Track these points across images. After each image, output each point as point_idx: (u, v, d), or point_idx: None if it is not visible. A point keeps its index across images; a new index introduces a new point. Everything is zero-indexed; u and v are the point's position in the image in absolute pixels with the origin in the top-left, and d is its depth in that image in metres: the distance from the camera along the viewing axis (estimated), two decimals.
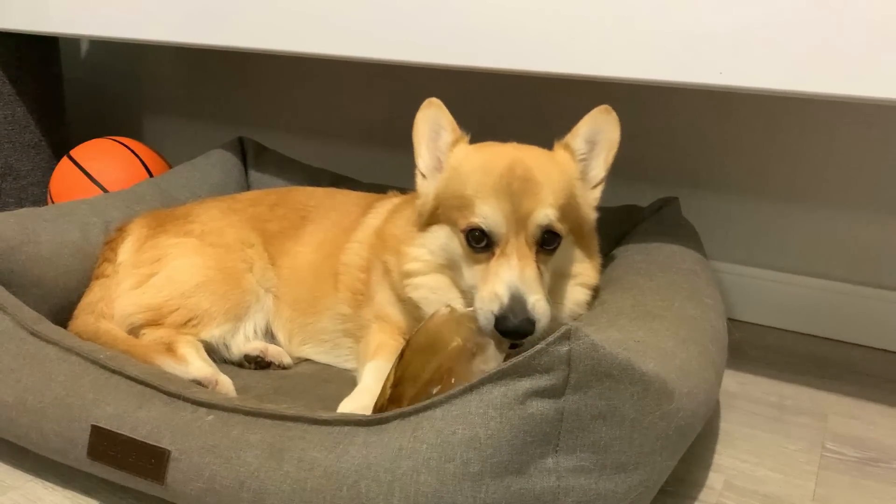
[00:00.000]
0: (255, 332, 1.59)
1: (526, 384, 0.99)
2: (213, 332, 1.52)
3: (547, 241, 1.25)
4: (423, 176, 1.41)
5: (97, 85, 3.05)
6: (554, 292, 1.32)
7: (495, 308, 1.18)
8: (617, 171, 2.14)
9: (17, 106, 2.41)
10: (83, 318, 1.50)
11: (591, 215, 1.39)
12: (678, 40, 1.32)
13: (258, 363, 1.55)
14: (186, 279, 1.53)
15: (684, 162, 2.06)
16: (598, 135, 1.35)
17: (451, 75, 2.19)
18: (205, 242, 1.59)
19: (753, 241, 2.04)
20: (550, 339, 0.97)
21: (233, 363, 1.56)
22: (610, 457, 1.01)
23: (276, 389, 1.46)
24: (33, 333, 1.30)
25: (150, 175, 2.19)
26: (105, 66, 3.04)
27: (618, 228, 1.78)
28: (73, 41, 3.04)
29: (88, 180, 2.13)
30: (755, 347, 1.89)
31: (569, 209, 1.28)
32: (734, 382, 1.70)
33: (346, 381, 1.46)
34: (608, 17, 1.37)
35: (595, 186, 1.38)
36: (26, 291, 1.48)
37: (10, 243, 1.49)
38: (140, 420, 1.15)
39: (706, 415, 1.24)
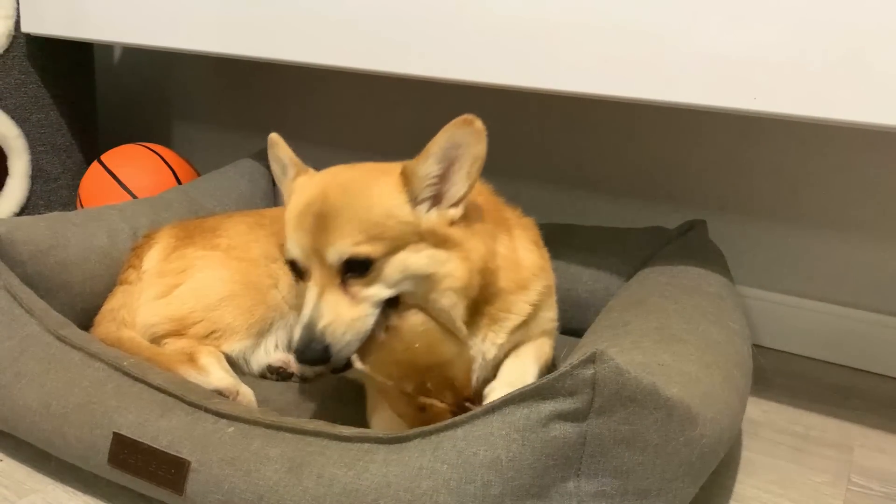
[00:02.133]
0: (277, 347, 1.59)
1: (549, 406, 0.98)
2: (234, 347, 1.52)
3: (357, 267, 1.18)
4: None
5: (129, 91, 3.09)
6: (424, 300, 1.25)
7: (294, 344, 1.19)
8: (643, 193, 2.15)
9: (50, 110, 2.44)
10: (105, 325, 1.51)
11: (447, 229, 1.24)
12: (711, 64, 1.31)
13: (280, 374, 1.55)
14: (211, 292, 1.54)
15: (712, 185, 2.04)
16: (456, 150, 1.21)
17: (477, 89, 2.19)
18: (231, 256, 1.60)
19: (780, 266, 2.01)
20: (575, 361, 0.96)
21: (252, 376, 1.57)
22: (632, 482, 0.99)
23: (297, 404, 1.46)
24: (59, 338, 1.31)
25: (179, 182, 2.20)
26: (137, 73, 3.08)
27: (644, 250, 1.77)
28: (107, 48, 3.08)
29: (118, 185, 2.15)
30: (780, 375, 1.87)
31: (386, 232, 1.20)
32: (758, 410, 1.67)
33: (364, 398, 1.46)
34: (639, 39, 1.36)
35: (456, 204, 1.25)
36: (54, 295, 1.50)
37: (40, 247, 1.51)
38: (161, 429, 1.15)
39: (729, 442, 1.23)
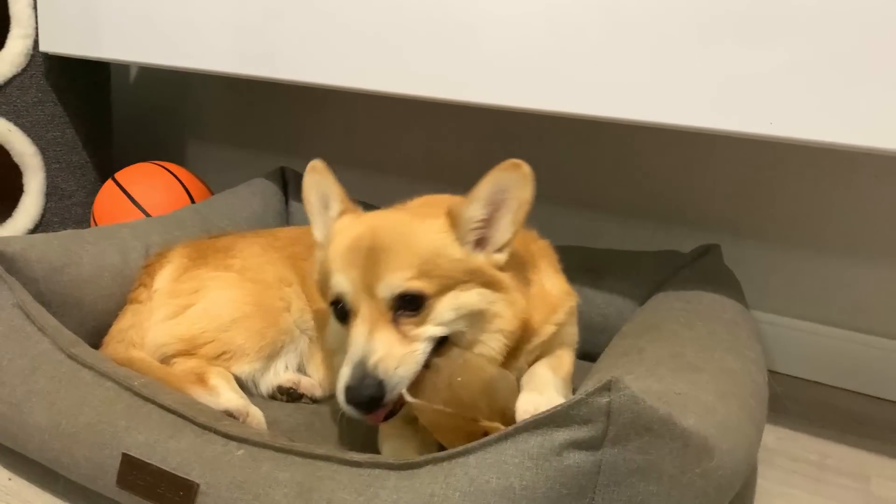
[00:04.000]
0: (287, 368, 1.58)
1: (563, 435, 0.96)
2: (244, 368, 1.51)
3: (409, 304, 1.18)
4: (322, 246, 1.37)
5: (144, 110, 3.11)
6: (473, 342, 1.24)
7: (342, 383, 1.16)
8: (657, 216, 2.14)
9: (66, 128, 2.46)
10: (113, 346, 1.51)
11: (496, 275, 1.24)
12: (728, 87, 1.30)
13: (290, 395, 1.54)
14: (223, 313, 1.53)
15: (727, 209, 2.03)
16: (503, 194, 1.21)
17: (488, 110, 2.20)
18: (244, 278, 1.59)
19: (795, 291, 1.99)
20: (591, 389, 0.95)
21: (261, 397, 1.56)
22: None
23: (308, 426, 1.45)
24: (70, 356, 1.30)
25: (192, 200, 2.21)
26: (152, 92, 3.10)
27: (658, 274, 1.75)
28: (123, 67, 3.10)
29: (131, 203, 2.16)
30: (795, 402, 1.84)
31: (438, 270, 1.20)
32: (773, 437, 1.65)
33: None
34: (653, 62, 1.36)
35: (501, 249, 1.25)
36: (66, 313, 1.50)
37: (54, 265, 1.51)
38: (170, 451, 1.14)
39: (746, 473, 1.20)
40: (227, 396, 1.40)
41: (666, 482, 0.98)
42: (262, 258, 1.64)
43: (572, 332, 1.45)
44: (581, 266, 1.81)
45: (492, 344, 1.24)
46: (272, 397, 1.55)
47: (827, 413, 1.80)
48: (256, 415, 1.41)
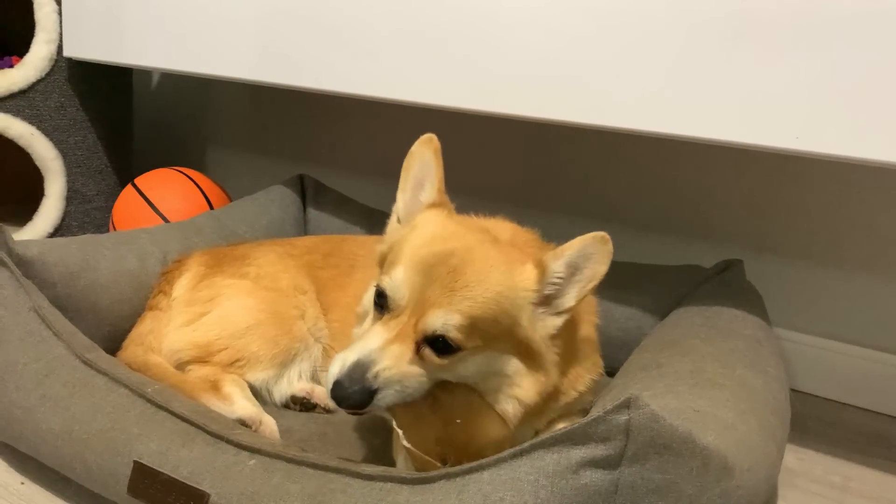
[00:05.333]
0: (300, 377, 1.57)
1: (580, 453, 0.94)
2: (257, 376, 1.50)
3: (438, 345, 1.11)
4: (398, 220, 1.31)
5: (165, 116, 3.13)
6: (485, 394, 1.19)
7: (335, 371, 1.10)
8: (677, 229, 2.11)
9: (88, 132, 2.47)
10: (132, 349, 1.51)
11: (542, 342, 1.19)
12: (753, 101, 1.28)
13: (304, 405, 1.53)
14: (237, 320, 1.52)
15: (748, 223, 2.00)
16: (584, 261, 1.16)
17: (513, 123, 2.18)
18: (259, 286, 1.59)
19: (818, 309, 1.96)
20: (609, 407, 0.93)
21: (275, 406, 1.55)
22: None
23: (321, 436, 1.43)
24: (85, 362, 1.30)
25: (211, 207, 2.21)
26: (174, 99, 3.11)
27: (678, 288, 1.73)
28: (146, 73, 3.13)
29: (150, 208, 2.16)
30: (817, 421, 1.81)
31: (493, 328, 1.13)
32: (793, 458, 1.62)
33: (391, 431, 1.43)
34: (677, 74, 1.34)
35: (560, 314, 1.19)
36: (82, 318, 1.50)
37: (71, 269, 1.51)
38: (182, 459, 1.13)
39: (766, 493, 1.17)
40: (240, 404, 1.40)
41: (685, 502, 0.96)
42: (277, 266, 1.63)
43: (590, 400, 1.38)
44: (604, 281, 1.78)
45: (506, 406, 1.18)
46: (286, 406, 1.54)
47: (850, 434, 1.76)
48: (269, 423, 1.40)
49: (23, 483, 1.34)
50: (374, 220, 2.09)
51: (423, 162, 1.29)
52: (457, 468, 1.01)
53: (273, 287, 1.58)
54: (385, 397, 1.10)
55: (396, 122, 2.53)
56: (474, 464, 1.00)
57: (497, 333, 1.14)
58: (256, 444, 1.13)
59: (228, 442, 1.14)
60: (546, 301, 1.19)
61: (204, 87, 3.00)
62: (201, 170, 2.64)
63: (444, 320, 1.10)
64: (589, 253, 1.16)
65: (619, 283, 1.79)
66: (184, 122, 3.10)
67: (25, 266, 1.43)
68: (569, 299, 1.19)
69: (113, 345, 1.53)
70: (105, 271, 1.57)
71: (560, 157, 2.24)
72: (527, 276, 1.17)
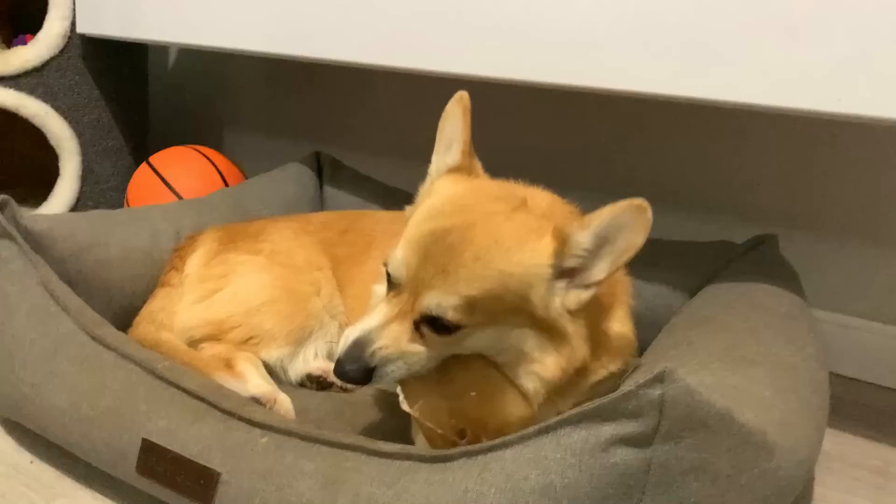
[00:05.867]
0: (316, 355, 1.52)
1: (610, 429, 0.88)
2: (272, 354, 1.46)
3: (435, 326, 1.05)
4: (425, 189, 1.25)
5: (182, 97, 3.09)
6: (503, 368, 1.11)
7: (338, 351, 1.08)
8: (706, 205, 2.04)
9: (102, 111, 2.43)
10: (144, 326, 1.47)
11: (562, 317, 1.08)
12: (791, 61, 1.21)
13: (320, 384, 1.48)
14: (251, 297, 1.48)
15: (781, 198, 1.92)
16: (617, 232, 1.04)
17: (535, 94, 2.12)
18: (274, 262, 1.54)
19: (855, 287, 1.88)
20: (641, 380, 0.87)
21: (291, 384, 1.50)
22: None
23: (338, 415, 1.39)
24: (94, 338, 1.26)
25: (227, 185, 2.17)
26: (190, 80, 3.07)
27: (709, 265, 1.65)
28: (162, 53, 3.09)
29: (165, 187, 2.12)
30: (854, 405, 1.73)
31: (497, 305, 1.05)
32: (830, 442, 1.54)
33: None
34: (714, 34, 1.27)
35: (588, 286, 1.08)
36: (93, 294, 1.46)
37: (81, 245, 1.47)
38: (192, 437, 1.09)
39: (807, 476, 1.11)
40: (254, 382, 1.35)
41: (722, 483, 0.90)
42: (292, 242, 1.58)
43: (618, 383, 1.26)
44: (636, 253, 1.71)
45: (526, 383, 1.10)
46: (301, 385, 1.50)
47: (889, 418, 1.68)
48: (284, 402, 1.35)
49: (32, 462, 1.30)
50: (391, 197, 2.03)
51: (453, 121, 1.21)
52: (477, 446, 0.96)
53: (288, 263, 1.53)
54: (384, 374, 1.07)
55: (415, 99, 2.47)
56: (496, 441, 0.95)
57: (504, 310, 1.06)
58: (269, 420, 1.09)
59: (240, 419, 1.10)
60: (569, 274, 1.09)
61: (220, 66, 2.96)
62: (218, 150, 2.60)
63: (437, 301, 1.04)
64: (623, 223, 1.04)
65: (647, 259, 1.71)
66: (200, 103, 3.05)
67: (34, 240, 1.39)
68: (598, 272, 1.07)
69: (125, 323, 1.49)
70: (116, 247, 1.53)
71: (584, 131, 2.17)
72: (541, 251, 1.06)
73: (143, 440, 1.11)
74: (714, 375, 1.09)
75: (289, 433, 1.07)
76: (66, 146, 2.35)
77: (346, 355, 1.06)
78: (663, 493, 0.88)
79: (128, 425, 1.13)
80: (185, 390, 1.15)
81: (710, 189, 2.01)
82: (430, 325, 1.06)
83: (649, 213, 1.01)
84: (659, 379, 0.86)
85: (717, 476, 0.89)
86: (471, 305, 1.03)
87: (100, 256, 1.49)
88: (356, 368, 1.06)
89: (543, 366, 1.09)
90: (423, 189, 1.25)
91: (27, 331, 1.28)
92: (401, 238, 1.13)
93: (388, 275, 1.11)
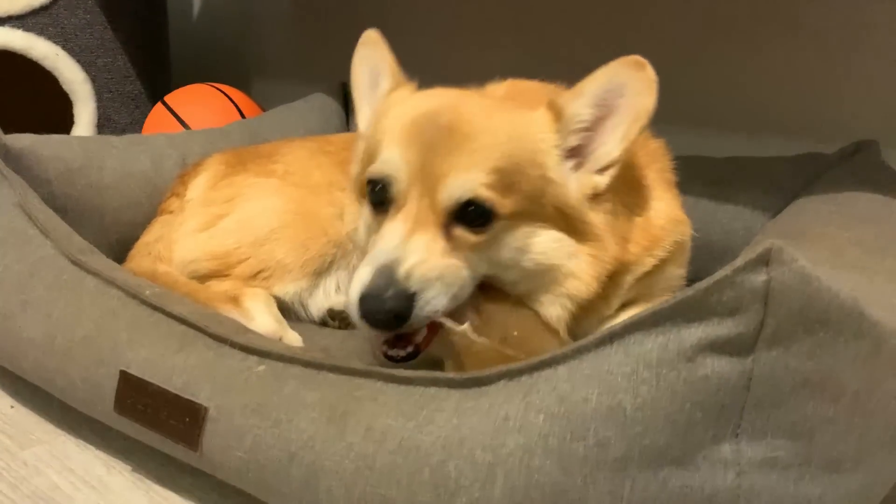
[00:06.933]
0: (338, 289, 1.33)
1: (697, 333, 0.67)
2: (287, 288, 1.27)
3: (470, 217, 0.90)
4: (367, 131, 1.10)
5: (206, 46, 2.92)
6: (527, 296, 0.98)
7: (356, 291, 0.87)
8: (786, 128, 1.76)
9: (118, 54, 2.27)
10: (138, 260, 1.30)
11: (583, 204, 0.96)
12: None
13: (343, 320, 1.29)
14: (261, 224, 1.29)
15: (871, 113, 1.64)
16: (617, 97, 0.93)
17: (578, 14, 1.88)
18: (287, 183, 1.35)
19: None
20: (739, 262, 0.64)
21: (312, 322, 1.31)
22: (817, 447, 0.68)
23: (361, 355, 1.18)
24: (74, 262, 1.08)
25: None
26: (215, 28, 2.90)
27: (795, 179, 1.41)
28: (186, 4, 2.92)
29: (180, 125, 1.95)
30: None
31: (523, 181, 0.92)
32: None
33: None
34: None
35: (602, 170, 0.96)
36: (85, 221, 1.31)
37: (70, 165, 1.31)
38: (176, 367, 0.90)
39: None
40: (260, 320, 1.18)
41: (847, 402, 0.68)
42: (309, 162, 1.39)
43: (679, 276, 1.14)
44: (696, 177, 1.48)
45: (551, 310, 0.96)
46: (323, 323, 1.31)
47: None
48: (293, 341, 1.18)
49: (12, 407, 1.15)
50: None
51: (369, 61, 1.12)
52: (521, 364, 0.75)
53: (304, 184, 1.34)
54: (428, 301, 0.88)
55: (445, 30, 2.25)
56: (545, 357, 0.73)
57: (529, 192, 0.93)
58: (266, 346, 0.89)
59: (233, 346, 0.91)
60: (578, 153, 0.96)
61: (245, 15, 2.78)
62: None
63: (462, 182, 0.89)
64: (620, 84, 0.92)
65: (720, 178, 1.49)
66: (225, 52, 2.88)
67: (14, 159, 1.24)
68: (610, 149, 0.95)
69: (123, 254, 1.33)
70: (111, 171, 1.37)
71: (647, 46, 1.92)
72: (537, 119, 0.95)
73: (122, 372, 0.93)
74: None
75: (290, 360, 0.87)
76: (80, 91, 2.20)
77: (373, 285, 0.86)
78: (768, 415, 0.66)
79: (105, 357, 0.95)
80: (170, 315, 0.96)
81: (790, 111, 1.74)
82: (463, 220, 0.90)
83: (650, 69, 0.90)
84: (763, 260, 0.64)
85: (841, 393, 0.67)
86: (499, 180, 0.90)
87: (91, 180, 1.32)
88: (392, 296, 0.85)
89: (575, 279, 0.96)
90: (359, 147, 1.10)
91: (0, 256, 1.12)
92: (368, 156, 0.99)
93: (378, 190, 0.95)
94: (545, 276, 0.96)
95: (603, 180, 0.96)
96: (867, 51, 1.62)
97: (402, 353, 0.92)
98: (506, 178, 0.90)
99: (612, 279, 0.99)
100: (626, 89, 0.92)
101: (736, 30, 1.76)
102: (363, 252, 1.04)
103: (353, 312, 0.89)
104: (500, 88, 1.17)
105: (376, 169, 0.94)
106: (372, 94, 1.13)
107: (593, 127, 0.95)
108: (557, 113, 0.95)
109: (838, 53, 1.65)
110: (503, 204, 0.90)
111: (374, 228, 0.97)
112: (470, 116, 0.93)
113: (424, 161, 0.91)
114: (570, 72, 1.06)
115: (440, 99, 0.99)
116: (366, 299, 0.86)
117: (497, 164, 0.90)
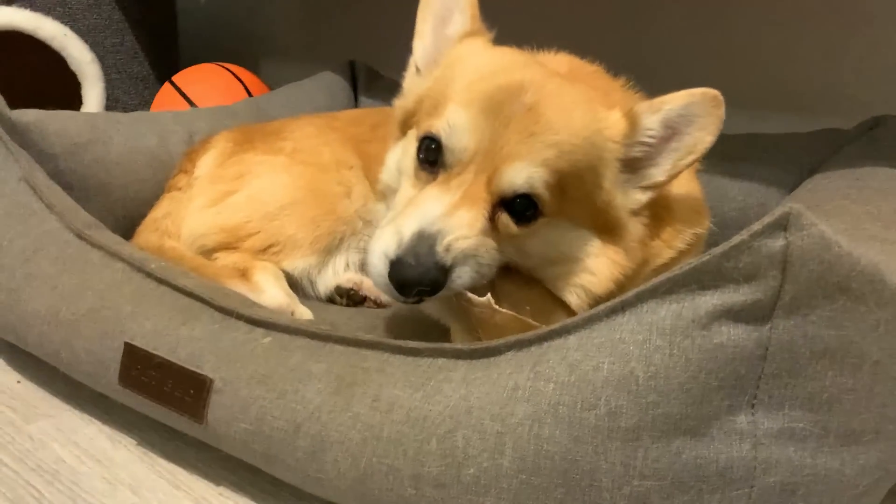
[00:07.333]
0: (347, 266, 1.32)
1: (713, 300, 0.65)
2: (296, 264, 1.26)
3: (516, 208, 0.88)
4: (417, 70, 1.05)
5: (213, 19, 2.90)
6: (543, 280, 0.96)
7: (391, 249, 0.84)
8: (799, 106, 1.73)
9: (125, 34, 2.26)
10: (145, 235, 1.29)
11: (625, 213, 0.95)
12: None
13: (351, 297, 1.28)
14: (270, 199, 1.28)
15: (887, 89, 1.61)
16: (686, 125, 0.91)
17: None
18: (295, 160, 1.34)
19: None
20: (756, 227, 0.62)
21: (319, 300, 1.30)
22: (836, 418, 0.66)
23: (370, 330, 1.17)
24: (79, 236, 1.07)
25: None
26: (224, 10, 2.88)
27: (812, 155, 1.38)
28: None
29: (188, 105, 1.93)
30: None
31: (577, 187, 0.90)
32: None
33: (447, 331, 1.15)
34: None
35: (646, 188, 0.95)
36: (91, 196, 1.29)
37: (75, 140, 1.29)
38: (181, 339, 0.89)
39: None
40: (270, 293, 1.16)
41: (867, 372, 0.66)
42: (317, 139, 1.38)
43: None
44: (715, 155, 1.45)
45: (565, 295, 0.95)
46: (331, 300, 1.30)
47: None
48: (304, 315, 1.16)
49: (19, 382, 1.14)
50: None
51: None
52: (530, 334, 0.73)
53: (313, 162, 1.33)
54: (462, 276, 0.86)
55: None
56: (555, 326, 0.72)
57: (578, 196, 0.91)
58: (271, 318, 0.88)
59: (239, 317, 0.90)
60: (632, 165, 0.94)
61: None
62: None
63: (527, 173, 0.86)
64: (694, 114, 0.90)
65: (736, 154, 1.46)
66: (234, 34, 2.86)
67: (20, 134, 1.22)
68: (660, 171, 0.94)
69: (130, 231, 1.32)
70: (118, 146, 1.35)
71: (660, 27, 1.89)
72: (613, 125, 0.92)
73: (126, 344, 0.92)
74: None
75: (296, 332, 0.86)
76: (88, 71, 2.19)
77: (411, 251, 0.83)
78: (786, 385, 0.64)
79: (110, 329, 0.94)
80: (176, 287, 0.95)
81: (802, 89, 1.71)
82: (509, 208, 0.88)
83: (723, 109, 0.89)
84: (781, 225, 0.62)
85: (861, 362, 0.65)
86: (557, 183, 0.88)
87: (98, 155, 1.31)
88: (429, 267, 0.83)
89: (592, 276, 0.94)
90: (411, 79, 1.06)
91: (5, 230, 1.11)
92: (429, 110, 0.94)
93: (433, 148, 0.90)
94: (564, 267, 0.95)
95: (643, 199, 0.95)
96: (886, 25, 1.59)
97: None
98: (563, 181, 0.88)
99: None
100: (697, 120, 0.90)
101: (753, 4, 1.73)
102: (391, 191, 1.02)
103: (378, 266, 0.85)
104: (560, 63, 1.11)
105: (441, 129, 0.89)
106: (440, 28, 1.05)
107: (655, 145, 0.93)
108: (633, 123, 0.92)
109: (857, 28, 1.62)
110: (551, 204, 0.89)
111: (415, 183, 0.94)
112: (556, 103, 0.89)
113: (495, 137, 0.87)
114: (584, 43, 1.03)
115: (524, 70, 0.93)
116: (399, 265, 0.84)
117: (563, 167, 0.87)
